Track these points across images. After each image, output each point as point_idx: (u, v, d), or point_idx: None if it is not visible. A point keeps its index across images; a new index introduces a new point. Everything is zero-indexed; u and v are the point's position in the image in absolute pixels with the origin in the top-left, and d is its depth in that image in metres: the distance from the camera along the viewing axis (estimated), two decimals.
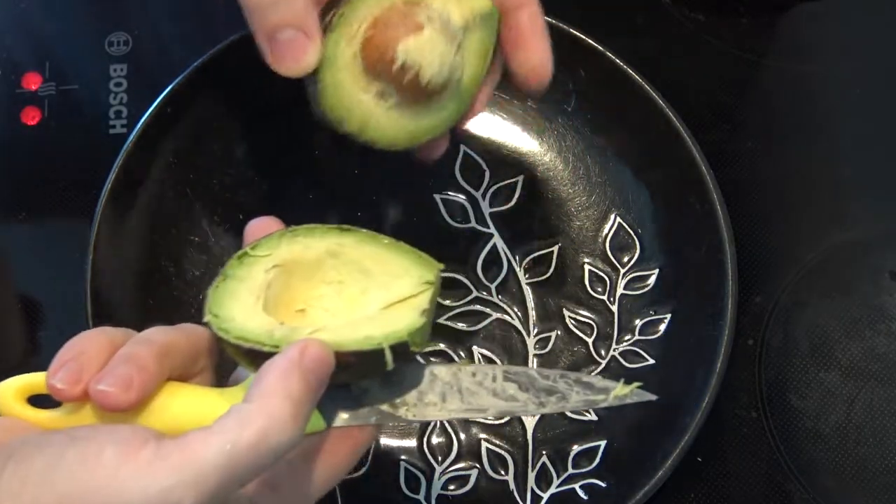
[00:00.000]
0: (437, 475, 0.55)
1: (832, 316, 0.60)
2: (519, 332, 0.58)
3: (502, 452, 0.56)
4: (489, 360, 0.58)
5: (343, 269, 0.41)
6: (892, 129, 0.66)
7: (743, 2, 0.69)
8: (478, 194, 0.62)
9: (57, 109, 0.65)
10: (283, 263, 0.41)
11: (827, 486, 0.56)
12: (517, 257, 0.60)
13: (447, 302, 0.59)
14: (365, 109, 0.47)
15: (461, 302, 0.59)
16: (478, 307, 0.59)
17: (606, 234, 0.60)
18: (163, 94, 0.58)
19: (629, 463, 0.54)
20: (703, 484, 0.56)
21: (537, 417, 0.56)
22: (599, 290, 0.59)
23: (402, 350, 0.38)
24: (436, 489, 0.55)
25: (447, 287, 0.59)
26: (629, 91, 0.60)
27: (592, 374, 0.57)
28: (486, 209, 0.61)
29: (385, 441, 0.56)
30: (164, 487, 0.32)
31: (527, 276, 0.60)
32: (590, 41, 0.61)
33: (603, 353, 0.58)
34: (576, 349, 0.58)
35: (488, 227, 0.61)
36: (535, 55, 0.48)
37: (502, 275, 0.60)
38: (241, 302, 0.39)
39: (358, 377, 0.40)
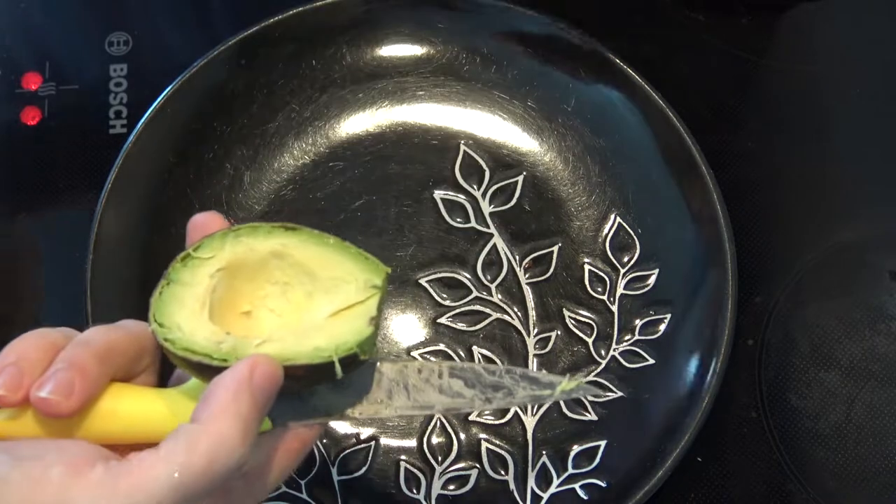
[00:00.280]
0: (437, 475, 0.55)
1: (832, 316, 0.60)
2: (519, 332, 0.58)
3: (502, 452, 0.56)
4: (489, 360, 0.58)
5: (288, 270, 0.40)
6: (892, 129, 0.66)
7: (743, 2, 0.69)
8: (478, 194, 0.62)
9: (57, 109, 0.65)
10: (227, 266, 0.40)
11: (827, 486, 0.56)
12: (517, 257, 0.60)
13: (447, 302, 0.59)
14: None
15: (461, 302, 0.59)
16: (478, 307, 0.59)
17: (606, 234, 0.60)
18: (163, 94, 0.59)
19: (629, 463, 0.54)
20: (703, 484, 0.56)
21: (537, 417, 0.56)
22: (599, 290, 0.59)
23: (350, 359, 0.38)
24: (436, 489, 0.55)
25: (447, 287, 0.59)
26: (629, 91, 0.60)
27: (592, 374, 0.57)
28: (486, 209, 0.61)
29: (385, 441, 0.56)
30: None
31: (527, 276, 0.60)
32: (590, 41, 0.61)
33: (603, 353, 0.58)
34: (576, 349, 0.58)
35: (488, 227, 0.61)
36: None
37: (502, 275, 0.60)
38: (187, 309, 0.38)
39: (306, 387, 0.40)
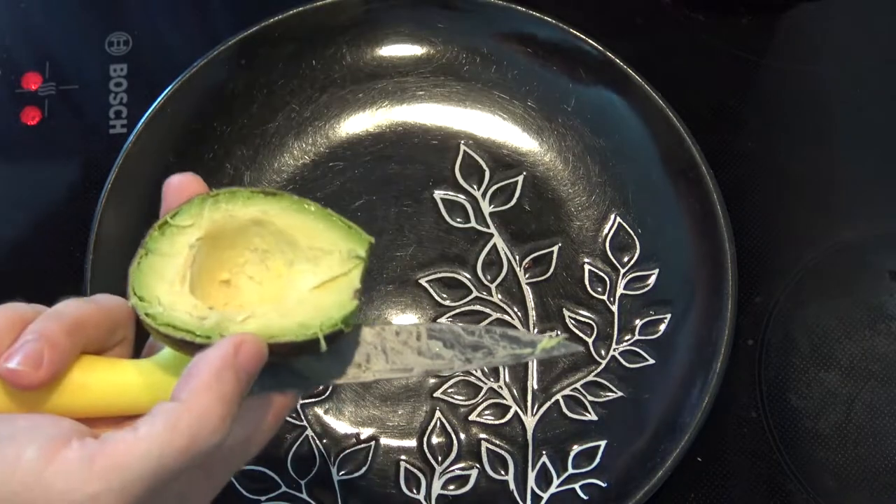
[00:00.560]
0: (437, 475, 0.55)
1: (832, 316, 0.60)
2: None
3: (502, 452, 0.56)
4: None
5: (269, 237, 0.40)
6: (892, 129, 0.66)
7: (743, 2, 0.69)
8: (478, 194, 0.62)
9: (57, 109, 0.65)
10: (206, 234, 0.39)
11: (827, 486, 0.56)
12: (517, 257, 0.60)
13: (447, 302, 0.59)
14: None
15: (461, 302, 0.59)
16: (478, 307, 0.59)
17: (606, 234, 0.60)
18: (163, 94, 0.59)
19: (629, 463, 0.54)
20: (703, 484, 0.56)
21: (537, 417, 0.56)
22: (599, 290, 0.59)
23: (335, 334, 0.37)
24: (436, 489, 0.55)
25: (447, 287, 0.59)
26: (629, 91, 0.60)
27: (593, 374, 0.57)
28: (486, 209, 0.61)
29: (385, 441, 0.56)
30: (91, 494, 0.31)
31: (527, 276, 0.60)
32: (590, 41, 0.61)
33: (603, 353, 0.58)
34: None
35: (488, 227, 0.61)
36: None
37: (502, 275, 0.60)
38: (167, 282, 0.37)
39: (289, 360, 0.39)
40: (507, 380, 0.57)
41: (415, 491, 0.55)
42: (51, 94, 0.65)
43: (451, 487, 0.55)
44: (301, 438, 0.55)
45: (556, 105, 0.62)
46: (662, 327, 0.58)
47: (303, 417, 0.56)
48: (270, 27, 0.61)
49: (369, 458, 0.55)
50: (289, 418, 0.56)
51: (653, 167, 0.60)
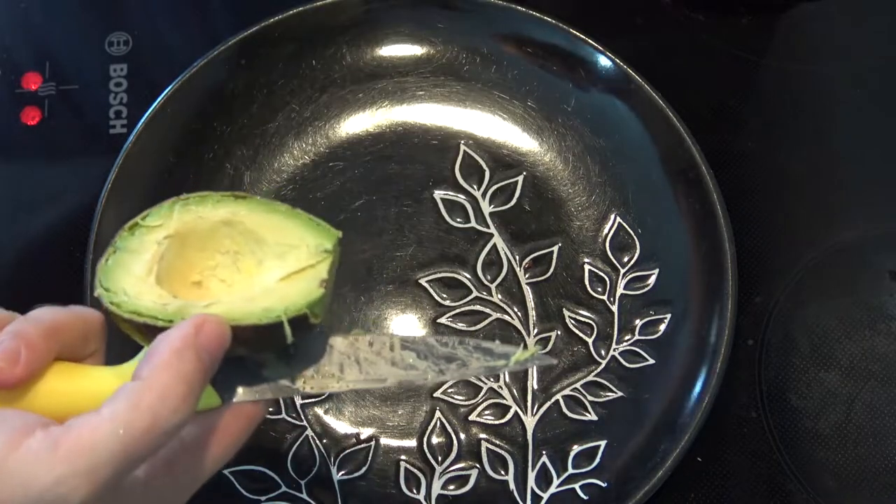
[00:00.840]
0: (437, 475, 0.55)
1: (832, 316, 0.60)
2: (519, 332, 0.58)
3: (502, 452, 0.56)
4: None
5: (239, 238, 0.40)
6: (891, 129, 0.66)
7: (743, 2, 0.69)
8: (478, 194, 0.62)
9: (57, 109, 0.65)
10: (175, 234, 0.39)
11: (827, 486, 0.56)
12: (517, 257, 0.60)
13: (447, 302, 0.59)
14: None
15: (461, 302, 0.59)
16: (478, 307, 0.59)
17: (606, 234, 0.60)
18: (163, 94, 0.59)
19: (629, 463, 0.54)
20: (703, 484, 0.56)
21: (537, 417, 0.56)
22: (599, 290, 0.59)
23: (301, 322, 0.37)
24: (436, 489, 0.55)
25: (447, 287, 0.59)
26: (629, 91, 0.60)
27: (593, 374, 0.57)
28: (486, 209, 0.61)
29: (385, 441, 0.56)
30: (56, 478, 0.31)
31: (527, 276, 0.60)
32: (590, 41, 0.61)
33: (603, 353, 0.58)
34: (576, 349, 0.58)
35: (488, 227, 0.61)
36: None
37: (502, 275, 0.60)
38: (133, 275, 0.38)
39: (256, 351, 0.39)
40: (507, 380, 0.57)
41: (415, 491, 0.55)
42: (51, 94, 0.65)
43: (451, 487, 0.55)
44: (301, 438, 0.55)
45: (556, 105, 0.62)
46: (662, 327, 0.58)
47: (303, 417, 0.56)
48: (270, 27, 0.61)
49: (369, 458, 0.55)
50: (289, 418, 0.56)
51: (653, 167, 0.60)
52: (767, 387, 0.58)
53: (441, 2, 0.63)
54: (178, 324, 0.35)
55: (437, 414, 0.56)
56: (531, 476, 0.55)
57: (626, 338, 0.58)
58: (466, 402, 0.57)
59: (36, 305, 0.38)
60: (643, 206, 0.60)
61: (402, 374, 0.41)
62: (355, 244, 0.60)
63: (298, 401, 0.56)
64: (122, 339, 0.40)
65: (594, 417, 0.56)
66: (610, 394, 0.57)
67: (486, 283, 0.59)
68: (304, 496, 0.54)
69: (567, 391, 0.57)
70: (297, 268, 0.39)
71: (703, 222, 0.57)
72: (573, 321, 0.59)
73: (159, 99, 0.58)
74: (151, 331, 0.37)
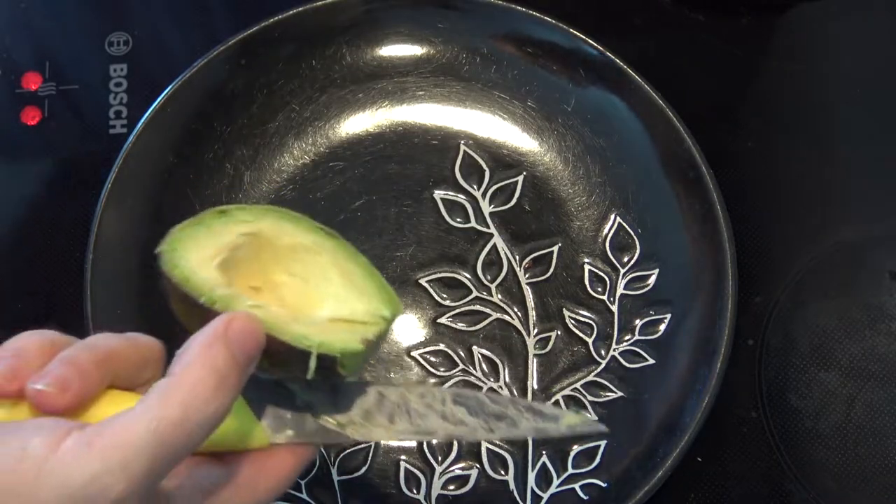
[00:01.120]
0: (437, 475, 0.55)
1: (832, 316, 0.60)
2: (519, 332, 0.58)
3: (502, 452, 0.56)
4: (489, 361, 0.58)
5: (312, 268, 0.40)
6: (891, 129, 0.66)
7: (743, 2, 0.69)
8: (478, 194, 0.62)
9: (57, 109, 0.65)
10: (258, 236, 0.40)
11: (827, 486, 0.56)
12: (517, 257, 0.60)
13: (447, 302, 0.59)
14: None
15: (461, 302, 0.59)
16: (478, 307, 0.59)
17: (606, 234, 0.60)
18: (163, 94, 0.59)
19: (629, 463, 0.54)
20: (703, 484, 0.56)
21: None
22: (599, 290, 0.59)
23: (329, 365, 0.37)
24: (436, 489, 0.55)
25: (447, 287, 0.59)
26: (629, 91, 0.60)
27: (593, 374, 0.57)
28: (486, 209, 0.61)
29: (385, 441, 0.56)
30: (91, 476, 0.31)
31: (527, 276, 0.60)
32: (590, 41, 0.61)
33: (603, 353, 0.58)
34: (576, 349, 0.58)
35: (488, 227, 0.61)
36: None
37: (502, 275, 0.60)
38: (201, 250, 0.38)
39: (279, 371, 0.39)
40: (507, 380, 0.57)
41: (415, 491, 0.55)
42: (51, 94, 0.65)
43: (451, 487, 0.55)
44: None
45: (556, 105, 0.62)
46: (662, 327, 0.58)
47: None
48: (270, 27, 0.61)
49: (369, 458, 0.55)
50: None
51: (653, 167, 0.60)
52: (767, 387, 0.58)
53: (441, 2, 0.62)
54: (210, 322, 0.35)
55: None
56: (531, 476, 0.55)
57: (626, 338, 0.58)
58: None
59: (59, 298, 0.37)
60: (643, 206, 0.60)
61: (452, 428, 0.40)
62: (355, 244, 0.59)
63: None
64: None
65: (594, 418, 0.56)
66: (610, 394, 0.57)
67: (486, 283, 0.59)
68: (304, 496, 0.54)
69: (567, 391, 0.57)
70: (350, 318, 0.39)
71: (703, 222, 0.57)
72: (573, 321, 0.59)
73: (159, 99, 0.58)
74: (192, 306, 0.36)
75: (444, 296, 0.59)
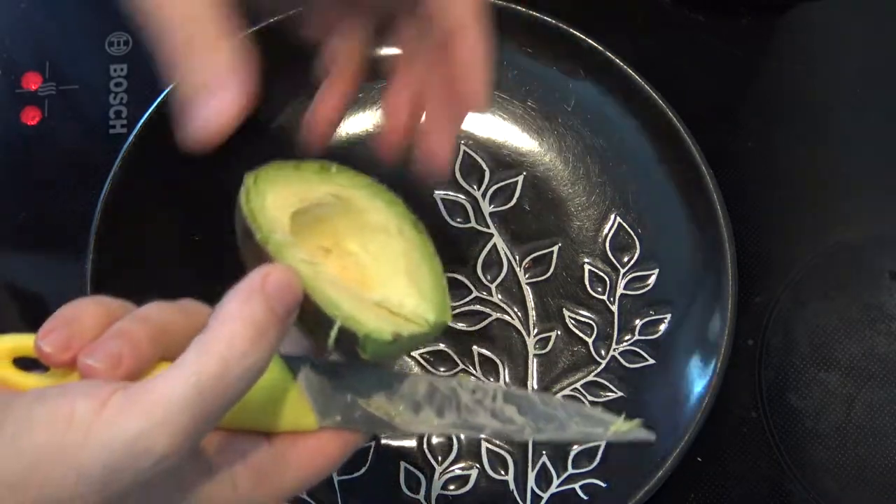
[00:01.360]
0: (437, 475, 0.55)
1: (832, 316, 0.60)
2: (519, 332, 0.58)
3: (502, 452, 0.56)
4: (489, 360, 0.58)
5: (385, 251, 0.40)
6: (892, 129, 0.66)
7: (743, 2, 0.69)
8: (478, 194, 0.62)
9: (57, 109, 0.65)
10: (348, 201, 0.40)
11: (827, 486, 0.56)
12: (517, 257, 0.60)
13: None
14: None
15: (461, 302, 0.59)
16: (478, 307, 0.59)
17: (606, 234, 0.60)
18: (163, 93, 0.58)
19: (629, 463, 0.54)
20: (703, 484, 0.56)
21: None
22: (599, 290, 0.59)
23: (348, 341, 0.37)
24: (436, 489, 0.55)
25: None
26: (629, 91, 0.60)
27: (592, 374, 0.57)
28: (486, 209, 0.61)
29: (385, 441, 0.56)
30: (135, 434, 0.31)
31: (527, 276, 0.60)
32: (590, 41, 0.61)
33: (603, 353, 0.58)
34: (576, 349, 0.58)
35: (488, 227, 0.61)
36: (472, 87, 0.44)
37: (502, 275, 0.60)
38: (284, 193, 0.38)
39: (307, 330, 0.38)
40: (507, 380, 0.57)
41: (415, 491, 0.55)
42: (51, 94, 0.65)
43: (451, 487, 0.55)
44: None
45: (556, 105, 0.62)
46: (662, 327, 0.58)
47: None
48: (270, 27, 0.61)
49: (369, 458, 0.55)
50: None
51: (653, 167, 0.60)
52: (767, 387, 0.58)
53: None
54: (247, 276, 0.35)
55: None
56: (531, 476, 0.55)
57: (626, 338, 0.58)
58: None
59: (60, 298, 0.37)
60: (643, 206, 0.60)
61: (500, 426, 0.40)
62: None
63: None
64: None
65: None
66: (610, 394, 0.57)
67: (486, 283, 0.59)
68: (304, 496, 0.54)
69: (567, 391, 0.57)
70: (395, 310, 0.39)
71: (703, 222, 0.57)
72: (573, 321, 0.59)
73: (159, 99, 0.58)
74: (248, 238, 0.36)
75: None
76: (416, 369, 0.57)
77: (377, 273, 0.40)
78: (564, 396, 0.57)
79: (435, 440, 0.56)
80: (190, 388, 0.31)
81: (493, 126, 0.63)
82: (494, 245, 0.60)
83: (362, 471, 0.55)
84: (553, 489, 0.54)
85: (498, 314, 0.59)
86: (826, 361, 0.59)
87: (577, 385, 0.57)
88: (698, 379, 0.54)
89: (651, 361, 0.57)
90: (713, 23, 0.68)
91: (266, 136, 0.62)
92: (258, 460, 0.37)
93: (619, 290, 0.59)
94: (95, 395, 0.31)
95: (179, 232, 0.59)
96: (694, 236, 0.58)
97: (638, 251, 0.60)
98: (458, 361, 0.58)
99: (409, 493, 0.55)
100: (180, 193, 0.59)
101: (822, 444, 0.57)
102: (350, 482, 0.55)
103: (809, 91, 0.67)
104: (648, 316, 0.58)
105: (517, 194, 0.62)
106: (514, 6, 0.62)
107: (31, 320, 0.60)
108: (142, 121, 0.58)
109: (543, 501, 0.54)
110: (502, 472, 0.55)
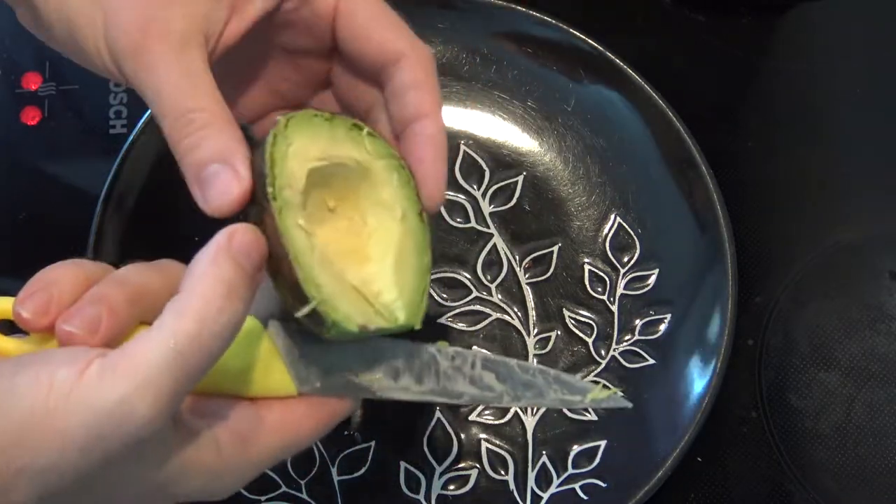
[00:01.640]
0: (437, 475, 0.55)
1: (832, 316, 0.60)
2: (519, 332, 0.58)
3: (502, 452, 0.56)
4: None
5: (382, 232, 0.40)
6: (892, 129, 0.66)
7: (743, 2, 0.69)
8: (478, 194, 0.62)
9: (57, 109, 0.65)
10: (368, 170, 0.40)
11: (827, 486, 0.56)
12: (517, 257, 0.60)
13: (447, 302, 0.59)
14: None
15: (461, 302, 0.59)
16: (478, 307, 0.59)
17: (606, 234, 0.60)
18: None
19: (629, 463, 0.54)
20: (703, 484, 0.56)
21: (537, 417, 0.56)
22: (599, 290, 0.59)
23: (317, 320, 0.36)
24: (436, 489, 0.55)
25: (447, 286, 0.59)
26: (629, 91, 0.60)
27: (592, 374, 0.57)
28: (486, 209, 0.61)
29: (385, 441, 0.56)
30: (119, 398, 0.31)
31: (527, 276, 0.60)
32: (590, 41, 0.61)
33: (603, 353, 0.58)
34: (576, 349, 0.58)
35: (488, 227, 0.61)
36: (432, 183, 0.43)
37: (502, 275, 0.60)
38: (309, 145, 0.38)
39: (277, 290, 0.38)
40: None
41: (415, 491, 0.55)
42: (51, 94, 0.65)
43: (451, 487, 0.55)
44: None
45: (556, 105, 0.62)
46: (662, 327, 0.58)
47: None
48: None
49: (369, 458, 0.55)
50: None
51: (653, 167, 0.60)
52: (767, 387, 0.58)
53: (441, 2, 0.62)
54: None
55: (437, 414, 0.56)
56: (531, 476, 0.55)
57: (626, 338, 0.58)
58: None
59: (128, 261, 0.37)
60: (643, 206, 0.60)
61: (478, 393, 0.40)
62: None
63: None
64: None
65: (594, 417, 0.56)
66: None
67: (486, 283, 0.59)
68: (304, 496, 0.54)
69: None
70: (370, 298, 0.39)
71: (703, 223, 0.57)
72: (573, 321, 0.59)
73: None
74: (258, 188, 0.37)
75: (445, 296, 0.59)
76: None
77: (368, 248, 0.40)
78: None
79: (435, 440, 0.56)
80: (169, 349, 0.32)
81: (493, 126, 0.63)
82: (494, 245, 0.60)
83: (362, 471, 0.55)
84: (553, 489, 0.54)
85: (498, 314, 0.59)
86: (826, 361, 0.59)
87: None
88: (698, 379, 0.54)
89: (651, 361, 0.57)
90: (713, 23, 0.68)
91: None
92: (239, 420, 0.37)
93: (619, 290, 0.59)
94: (74, 362, 0.32)
95: (179, 232, 0.59)
96: (694, 236, 0.58)
97: (638, 251, 0.60)
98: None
99: (409, 493, 0.55)
100: (180, 194, 0.59)
101: (822, 444, 0.57)
102: (350, 482, 0.55)
103: (809, 91, 0.67)
104: (648, 316, 0.58)
105: (517, 194, 0.62)
106: (514, 6, 0.62)
107: None
108: (142, 121, 0.58)
109: (543, 501, 0.54)
110: (502, 472, 0.55)
